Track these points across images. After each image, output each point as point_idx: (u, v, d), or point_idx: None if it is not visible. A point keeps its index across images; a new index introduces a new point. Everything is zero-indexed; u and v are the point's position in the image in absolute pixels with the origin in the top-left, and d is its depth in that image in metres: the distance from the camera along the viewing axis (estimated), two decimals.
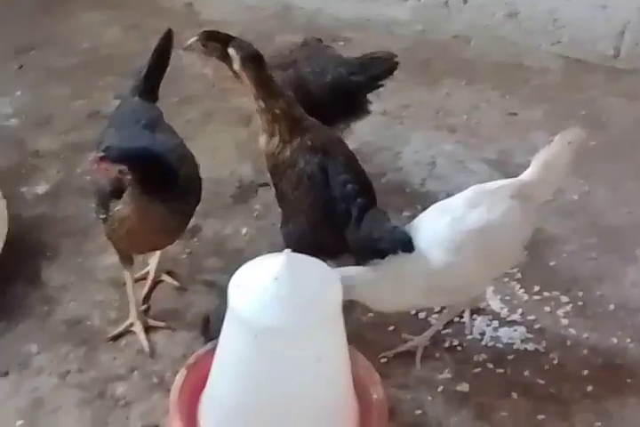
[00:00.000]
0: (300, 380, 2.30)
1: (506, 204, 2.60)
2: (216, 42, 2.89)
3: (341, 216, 2.65)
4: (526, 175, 2.68)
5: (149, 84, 2.97)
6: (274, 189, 2.90)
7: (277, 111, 2.77)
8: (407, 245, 2.54)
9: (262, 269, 2.29)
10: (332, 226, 2.67)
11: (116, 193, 2.63)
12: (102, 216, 2.71)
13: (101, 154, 2.50)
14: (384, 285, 2.55)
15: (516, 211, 2.59)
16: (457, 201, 2.64)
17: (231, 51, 2.81)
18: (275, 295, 2.21)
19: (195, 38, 2.91)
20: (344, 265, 2.58)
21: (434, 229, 2.58)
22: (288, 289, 2.22)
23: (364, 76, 3.17)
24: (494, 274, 2.78)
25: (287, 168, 2.77)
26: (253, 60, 2.78)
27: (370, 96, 3.26)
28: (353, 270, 2.56)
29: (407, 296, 2.60)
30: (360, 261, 2.66)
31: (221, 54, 2.88)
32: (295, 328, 2.23)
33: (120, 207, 2.62)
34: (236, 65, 2.79)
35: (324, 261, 2.40)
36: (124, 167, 2.49)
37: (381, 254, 2.57)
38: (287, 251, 2.27)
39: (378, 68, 3.20)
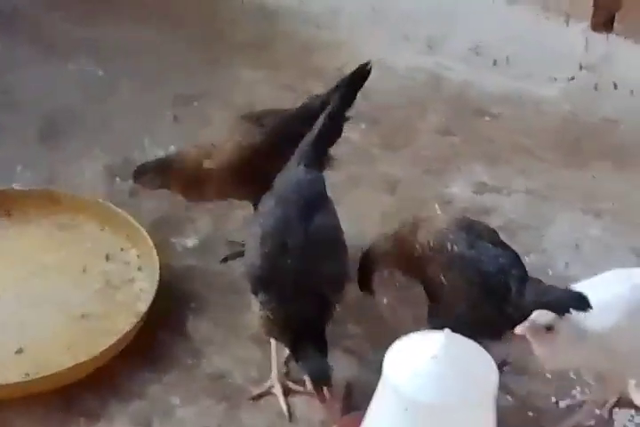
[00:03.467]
0: None
1: None
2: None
3: (500, 290, 2.65)
4: None
5: (318, 150, 2.96)
6: (421, 282, 2.90)
7: None
8: (584, 302, 2.50)
9: (420, 345, 2.29)
10: (493, 302, 2.67)
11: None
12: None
13: None
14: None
15: None
16: None
17: None
18: (433, 373, 2.21)
19: None
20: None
21: (613, 291, 2.58)
22: (446, 368, 2.22)
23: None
24: None
25: (436, 254, 2.78)
26: None
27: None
28: None
29: (571, 355, 2.60)
30: None
31: None
32: (451, 407, 2.22)
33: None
34: None
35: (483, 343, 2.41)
36: None
37: None
38: (446, 330, 2.27)
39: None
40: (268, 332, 2.82)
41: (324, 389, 2.65)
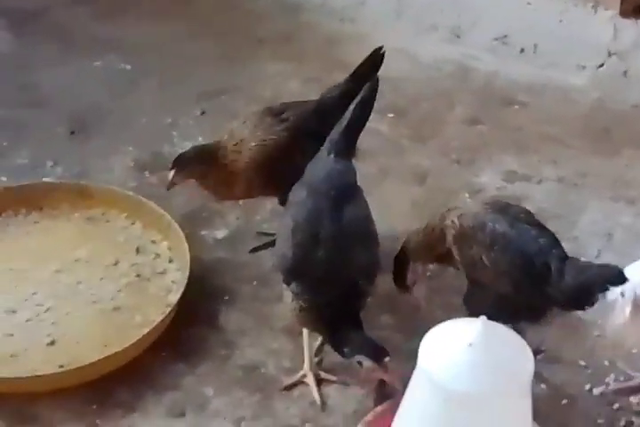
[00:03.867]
0: None
1: None
2: None
3: (541, 270, 2.63)
4: None
5: (348, 139, 2.95)
6: (459, 260, 2.85)
7: None
8: (621, 277, 2.50)
9: (456, 333, 2.28)
10: (534, 282, 2.65)
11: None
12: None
13: None
14: None
15: None
16: None
17: None
18: (468, 361, 2.20)
19: None
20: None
21: None
22: (482, 356, 2.20)
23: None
24: None
25: (477, 232, 2.76)
26: None
27: None
28: None
29: None
30: (571, 310, 2.68)
31: None
32: (487, 396, 2.21)
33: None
34: None
35: (518, 326, 2.40)
36: None
37: (593, 297, 2.55)
38: (483, 318, 2.26)
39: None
40: (302, 323, 2.82)
41: (385, 361, 2.64)
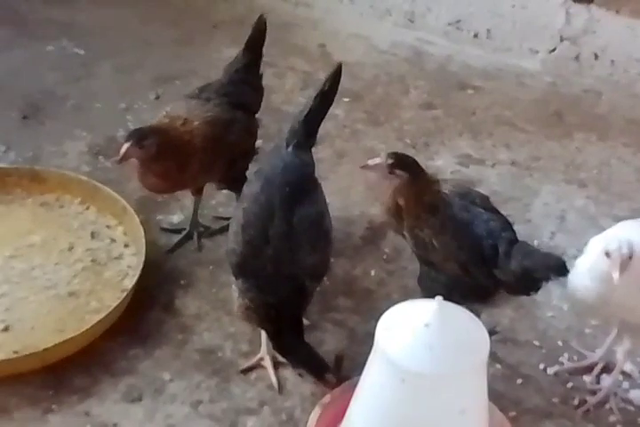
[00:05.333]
0: None
1: None
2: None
3: (490, 253, 2.66)
4: None
5: (308, 130, 2.88)
6: (412, 243, 2.86)
7: None
8: (562, 269, 2.54)
9: (412, 313, 2.30)
10: (482, 265, 2.67)
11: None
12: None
13: None
14: None
15: None
16: None
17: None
18: (425, 342, 2.21)
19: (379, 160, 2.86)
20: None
21: None
22: (438, 336, 2.23)
23: None
24: None
25: (429, 216, 2.77)
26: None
27: None
28: None
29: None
30: (516, 295, 2.71)
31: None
32: (444, 376, 2.23)
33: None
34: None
35: (472, 307, 2.42)
36: None
37: (537, 283, 2.60)
38: (438, 298, 2.28)
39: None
40: (246, 319, 2.79)
41: (327, 376, 2.67)
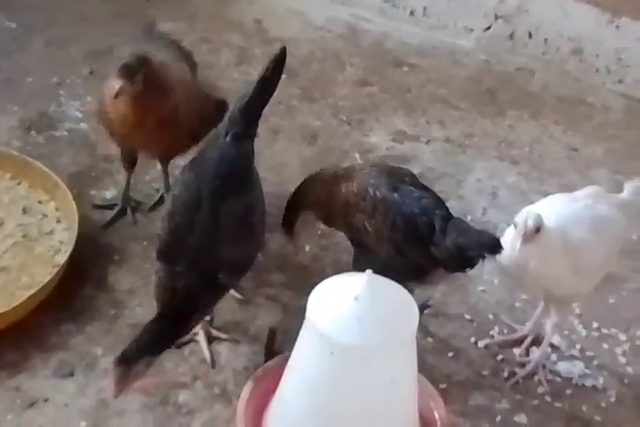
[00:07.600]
0: (374, 400, 2.33)
1: (620, 207, 2.82)
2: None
3: (425, 230, 2.66)
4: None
5: (248, 119, 2.72)
6: (345, 231, 2.89)
7: None
8: (496, 247, 2.55)
9: (343, 287, 2.33)
10: (418, 243, 2.67)
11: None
12: None
13: None
14: None
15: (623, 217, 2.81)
16: (581, 194, 2.87)
17: None
18: (355, 315, 2.25)
19: None
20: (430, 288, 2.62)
21: (569, 210, 2.74)
22: (368, 309, 2.26)
23: None
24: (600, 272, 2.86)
25: (359, 200, 2.78)
26: None
27: None
28: None
29: (552, 259, 2.68)
30: (452, 272, 2.71)
31: None
32: (373, 348, 2.27)
33: None
34: None
35: (407, 285, 2.45)
36: None
37: (471, 260, 2.61)
38: (369, 271, 2.30)
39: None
40: (155, 299, 2.68)
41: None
